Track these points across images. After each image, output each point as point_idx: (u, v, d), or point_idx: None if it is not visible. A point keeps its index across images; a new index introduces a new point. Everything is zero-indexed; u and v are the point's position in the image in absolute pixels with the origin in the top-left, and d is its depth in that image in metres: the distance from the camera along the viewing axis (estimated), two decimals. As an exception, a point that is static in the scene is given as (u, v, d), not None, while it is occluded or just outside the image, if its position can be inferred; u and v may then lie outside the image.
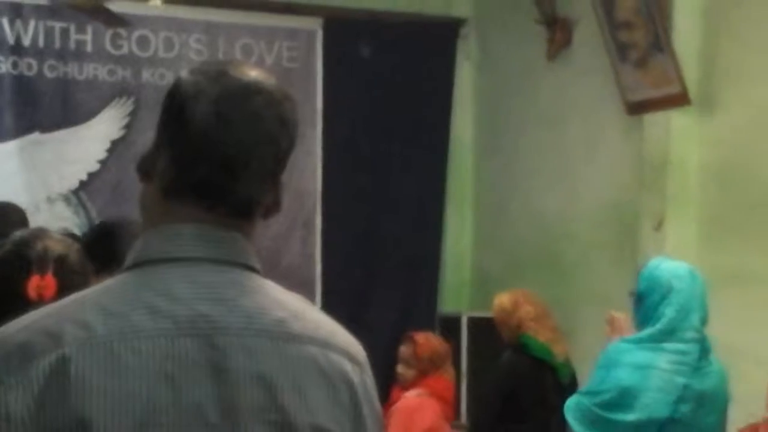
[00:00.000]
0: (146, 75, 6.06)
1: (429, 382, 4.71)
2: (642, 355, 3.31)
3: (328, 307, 6.25)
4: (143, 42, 6.10)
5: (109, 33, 5.94)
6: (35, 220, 5.67)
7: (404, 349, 4.84)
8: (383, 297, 6.54)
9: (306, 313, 1.31)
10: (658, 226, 5.30)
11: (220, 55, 6.09)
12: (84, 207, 6.04)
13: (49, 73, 5.92)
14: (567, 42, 6.09)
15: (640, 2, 5.22)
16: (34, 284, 2.07)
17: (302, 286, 6.17)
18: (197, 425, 1.20)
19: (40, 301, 1.89)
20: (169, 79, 5.86)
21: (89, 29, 5.95)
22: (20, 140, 5.86)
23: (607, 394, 3.34)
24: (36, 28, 5.88)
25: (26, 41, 5.88)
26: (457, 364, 5.51)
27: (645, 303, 3.38)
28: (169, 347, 1.20)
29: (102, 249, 2.73)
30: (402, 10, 6.61)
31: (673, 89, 5.19)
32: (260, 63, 6.20)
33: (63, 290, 1.88)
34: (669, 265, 3.48)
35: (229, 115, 1.27)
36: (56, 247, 2.88)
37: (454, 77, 6.79)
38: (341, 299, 6.37)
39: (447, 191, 6.81)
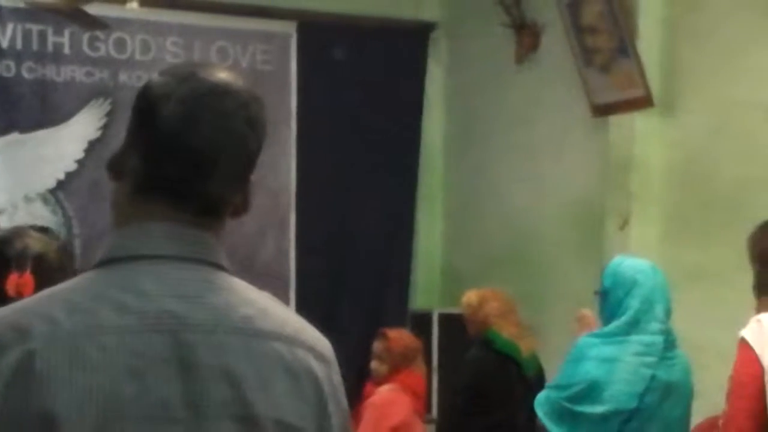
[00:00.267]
0: (123, 77, 6.10)
1: (401, 377, 4.75)
2: (608, 349, 3.38)
3: (302, 304, 6.37)
4: (120, 44, 6.14)
5: (86, 35, 5.98)
6: (13, 219, 5.75)
7: (377, 345, 4.87)
8: (356, 294, 6.60)
9: (273, 311, 1.32)
10: (623, 224, 5.41)
11: (196, 58, 6.11)
12: (61, 206, 6.08)
13: (27, 75, 5.97)
14: (535, 46, 6.18)
15: (605, 8, 5.33)
16: (12, 282, 2.08)
17: (276, 284, 6.24)
18: (162, 420, 1.20)
19: (19, 299, 1.84)
20: (146, 81, 5.90)
21: (66, 32, 5.99)
22: (-1, 140, 5.91)
23: (575, 387, 3.39)
24: (14, 30, 5.92)
25: (4, 43, 5.92)
26: (428, 360, 5.58)
27: (610, 298, 3.45)
28: (135, 343, 1.21)
29: None
30: (374, 14, 6.67)
31: (637, 92, 5.29)
32: (235, 65, 6.25)
33: (42, 288, 1.90)
34: (631, 261, 3.57)
35: (197, 115, 1.27)
36: (35, 245, 2.95)
37: (425, 79, 6.86)
38: (315, 297, 6.45)
39: (418, 190, 6.89)
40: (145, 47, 6.19)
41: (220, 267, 1.31)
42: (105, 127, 6.07)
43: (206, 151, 1.28)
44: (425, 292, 6.93)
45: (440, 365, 6.17)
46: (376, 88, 6.60)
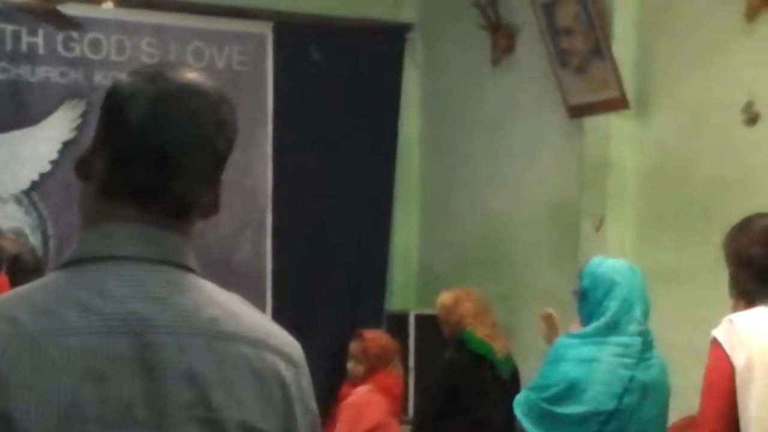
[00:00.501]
0: (98, 77, 6.07)
1: (378, 378, 4.75)
2: (587, 350, 3.39)
3: (279, 304, 6.37)
4: (95, 45, 6.12)
5: (61, 36, 5.95)
6: (-13, 221, 5.70)
7: (353, 346, 4.87)
8: (332, 295, 6.60)
9: (241, 313, 1.30)
10: (599, 225, 5.44)
11: (172, 59, 6.10)
12: (35, 207, 6.05)
13: (1, 75, 5.93)
14: (510, 48, 6.21)
15: (580, 10, 5.36)
16: (-13, 283, 2.05)
17: (253, 285, 6.24)
18: (125, 422, 1.20)
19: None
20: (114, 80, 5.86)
21: (41, 32, 5.95)
22: (-27, 141, 5.87)
23: (554, 388, 3.41)
24: (-13, 30, 5.90)
25: (-22, 43, 5.90)
26: (404, 361, 5.59)
27: (589, 299, 3.47)
28: (98, 344, 1.20)
29: None
30: (351, 15, 6.68)
31: (612, 93, 5.33)
32: (211, 66, 6.25)
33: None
34: (610, 262, 3.59)
35: (164, 115, 1.27)
36: (10, 246, 2.94)
37: (402, 80, 6.88)
38: (291, 297, 6.46)
39: (395, 191, 6.91)
40: (121, 48, 6.17)
41: (188, 268, 1.30)
42: (80, 128, 6.05)
43: (173, 151, 1.27)
44: (402, 292, 6.95)
45: (417, 366, 6.19)
46: (353, 88, 6.62)
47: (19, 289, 1.27)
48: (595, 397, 3.35)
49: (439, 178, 6.88)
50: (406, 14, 6.96)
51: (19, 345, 1.18)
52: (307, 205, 6.55)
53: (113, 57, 6.14)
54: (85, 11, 5.56)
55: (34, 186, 6.04)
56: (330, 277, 6.63)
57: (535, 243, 6.04)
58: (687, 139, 5.14)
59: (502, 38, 6.21)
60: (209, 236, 5.91)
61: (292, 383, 1.30)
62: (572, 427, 3.37)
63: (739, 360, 2.55)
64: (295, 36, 6.52)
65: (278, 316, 6.23)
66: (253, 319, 1.31)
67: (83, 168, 1.31)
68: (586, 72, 5.42)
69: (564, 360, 3.43)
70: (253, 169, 6.35)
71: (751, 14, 4.76)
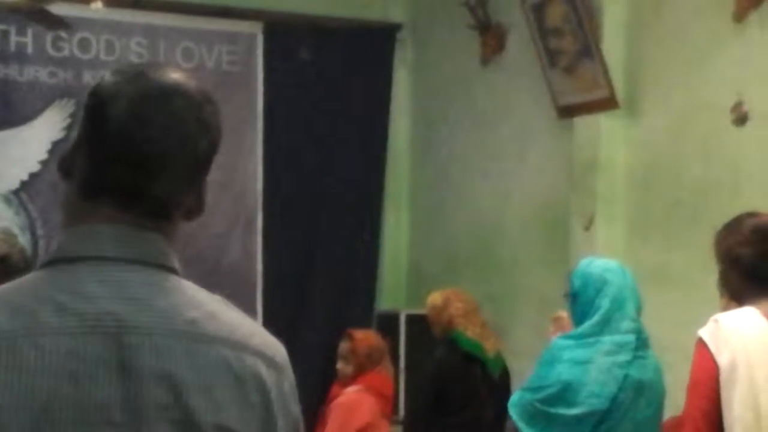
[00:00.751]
0: (87, 77, 6.06)
1: (367, 378, 4.75)
2: (581, 351, 3.40)
3: (269, 305, 6.37)
4: (84, 44, 6.10)
5: (49, 35, 5.94)
6: (-24, 221, 5.69)
7: (343, 346, 4.87)
8: (322, 295, 6.60)
9: (223, 315, 1.29)
10: (588, 225, 5.45)
11: (161, 59, 6.09)
12: (25, 207, 6.04)
13: (-11, 75, 5.95)
14: (500, 47, 6.22)
15: (569, 10, 5.37)
16: (-25, 283, 2.07)
17: (243, 285, 6.24)
18: (99, 423, 1.19)
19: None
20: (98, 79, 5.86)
21: (29, 31, 5.94)
22: (-38, 141, 5.86)
23: (549, 389, 3.41)
24: (-24, 30, 5.89)
25: (-34, 43, 5.88)
26: (395, 361, 5.60)
27: (581, 299, 3.48)
28: (74, 345, 1.19)
29: None
30: (340, 15, 6.68)
31: (602, 93, 5.34)
32: (201, 66, 6.25)
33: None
34: (599, 261, 3.61)
35: (145, 115, 1.26)
36: (0, 246, 2.93)
37: (391, 80, 6.89)
38: (281, 298, 6.46)
39: (384, 191, 6.92)
40: (110, 47, 6.16)
41: (168, 269, 1.28)
42: (69, 128, 6.03)
43: (154, 151, 1.26)
44: (392, 293, 6.95)
45: (407, 366, 6.19)
46: (342, 88, 6.62)
47: None
48: (590, 398, 3.36)
49: (429, 178, 6.89)
50: (395, 14, 6.97)
51: None
52: (297, 205, 6.55)
53: (102, 57, 6.13)
54: (74, 11, 5.55)
55: (24, 186, 6.03)
56: (320, 277, 6.63)
57: (524, 243, 6.05)
58: (676, 139, 5.16)
59: (492, 38, 6.22)
60: (200, 237, 5.91)
61: (273, 386, 1.29)
62: (567, 428, 3.38)
63: (723, 360, 2.56)
64: (284, 36, 6.53)
65: (269, 316, 6.25)
66: (235, 321, 1.30)
67: (65, 166, 1.31)
68: (576, 72, 5.43)
69: (559, 361, 3.44)
70: (243, 170, 6.35)
71: (740, 15, 4.77)
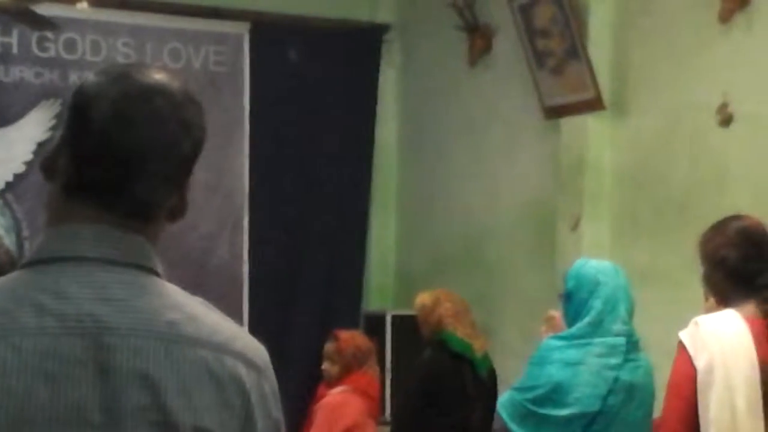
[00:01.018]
0: (73, 77, 6.03)
1: (353, 378, 4.76)
2: (572, 352, 3.40)
3: (256, 305, 6.36)
4: (70, 45, 6.08)
5: (35, 35, 5.92)
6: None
7: (328, 346, 4.87)
8: (309, 296, 6.60)
9: (203, 317, 1.28)
10: (575, 225, 5.47)
11: (148, 59, 6.08)
12: (10, 208, 6.01)
13: (-25, 76, 5.92)
14: (487, 48, 6.23)
15: (557, 11, 5.39)
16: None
17: (230, 286, 6.23)
18: (77, 424, 1.19)
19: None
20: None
21: (15, 31, 5.92)
22: (-53, 142, 5.82)
23: (539, 389, 3.41)
24: (-39, 30, 5.86)
25: (-49, 43, 5.85)
26: (381, 362, 5.60)
27: (574, 300, 3.47)
28: (52, 346, 1.19)
29: None
30: (327, 15, 6.68)
31: (588, 94, 5.36)
32: (188, 67, 6.24)
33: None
34: (594, 262, 3.60)
35: (127, 116, 1.26)
36: (-13, 248, 2.92)
37: (379, 81, 6.89)
38: (268, 298, 6.45)
39: (372, 192, 6.92)
40: (96, 48, 6.14)
41: (150, 271, 1.28)
42: (54, 129, 6.00)
43: (136, 152, 1.26)
44: (379, 293, 6.96)
45: (394, 367, 6.20)
46: (330, 89, 6.62)
47: None
48: (580, 399, 3.36)
49: (416, 178, 6.89)
50: (383, 15, 6.97)
51: None
52: (284, 205, 6.55)
53: (88, 57, 6.10)
54: (60, 11, 5.53)
55: (9, 187, 6.00)
56: (307, 278, 6.63)
57: (511, 243, 6.06)
58: (662, 139, 5.18)
59: (479, 39, 6.24)
60: (186, 238, 5.90)
61: (253, 389, 1.28)
62: (556, 429, 3.39)
63: (700, 362, 2.58)
64: (272, 37, 6.52)
65: (256, 317, 6.24)
66: (216, 323, 1.29)
67: (48, 166, 1.31)
68: (563, 73, 5.45)
69: (549, 362, 3.44)
70: (230, 170, 6.34)
71: (725, 16, 4.79)
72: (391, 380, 6.17)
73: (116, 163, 1.26)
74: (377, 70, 6.89)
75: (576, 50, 5.35)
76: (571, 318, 3.50)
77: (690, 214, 4.75)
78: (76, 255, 1.25)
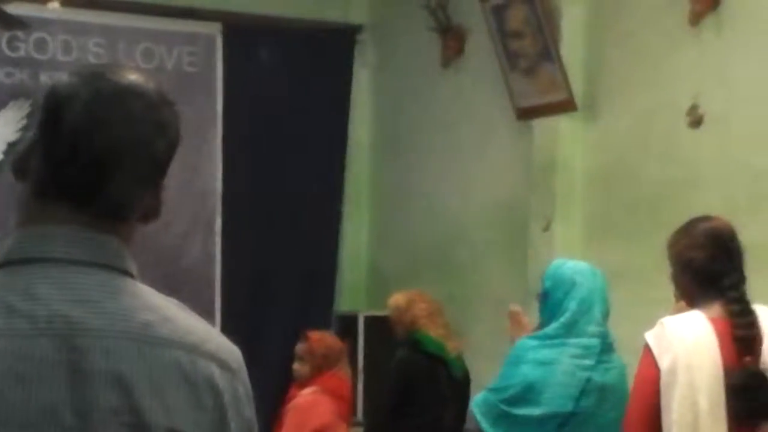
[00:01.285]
0: (44, 77, 5.99)
1: (324, 379, 4.74)
2: (546, 352, 3.41)
3: (228, 306, 6.34)
4: (41, 45, 6.04)
5: (5, 35, 5.87)
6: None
7: (300, 346, 4.86)
8: (281, 297, 6.59)
9: (177, 318, 1.28)
10: (547, 226, 5.49)
11: (120, 59, 6.03)
12: (-20, 209, 5.96)
13: (-56, 75, 5.87)
14: (460, 50, 6.25)
15: (529, 13, 5.41)
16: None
17: (202, 286, 6.21)
18: (49, 426, 1.18)
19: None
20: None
21: (-15, 31, 5.89)
22: None
23: (513, 389, 3.42)
24: (-70, 29, 5.80)
25: None
26: (353, 362, 5.60)
27: (550, 300, 3.49)
28: (23, 347, 1.18)
29: None
30: (301, 16, 6.67)
31: (560, 96, 5.39)
32: (160, 67, 6.21)
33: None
34: (572, 263, 3.62)
35: (101, 116, 1.25)
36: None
37: (352, 81, 6.89)
38: (240, 299, 6.43)
39: (345, 193, 6.91)
40: (67, 48, 6.10)
41: (123, 272, 1.28)
42: (25, 129, 5.96)
43: (108, 153, 1.26)
44: (351, 294, 6.96)
45: (366, 367, 6.20)
46: (303, 90, 6.61)
47: None
48: (553, 399, 3.37)
49: (389, 179, 6.90)
50: (356, 16, 6.97)
51: None
52: (256, 206, 6.54)
53: (60, 57, 6.06)
54: (31, 10, 5.49)
55: (-21, 187, 5.94)
56: (279, 278, 6.61)
57: (484, 243, 6.08)
58: (634, 140, 5.21)
59: (453, 40, 6.25)
60: (159, 238, 5.87)
61: (227, 390, 1.28)
62: (529, 429, 3.39)
63: (664, 363, 2.59)
64: (245, 37, 6.51)
65: (228, 317, 6.23)
66: (190, 325, 1.29)
67: (20, 167, 1.30)
68: (535, 74, 5.47)
69: (523, 362, 3.44)
70: (203, 170, 6.32)
71: (695, 19, 4.83)
72: (364, 381, 6.17)
73: (89, 164, 1.25)
74: (350, 71, 6.89)
75: (548, 52, 5.37)
76: (547, 318, 3.51)
77: (661, 215, 4.78)
78: (48, 256, 1.25)
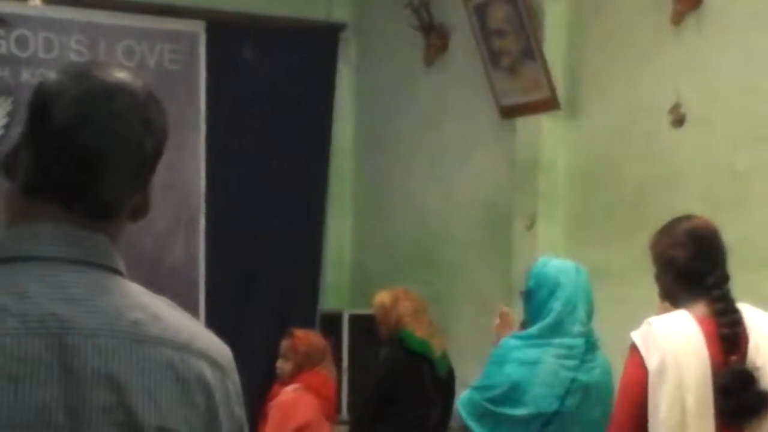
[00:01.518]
0: (26, 75, 5.95)
1: (306, 377, 4.74)
2: (530, 351, 3.41)
3: (212, 305, 6.32)
4: (22, 42, 5.99)
5: (-14, 33, 5.85)
6: None
7: (284, 344, 4.85)
8: (265, 296, 6.59)
9: (167, 316, 1.28)
10: (530, 225, 5.50)
11: (102, 57, 6.02)
12: (-39, 208, 5.93)
13: (-76, 73, 5.82)
14: (443, 48, 6.25)
15: (512, 11, 5.42)
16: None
17: (185, 286, 6.19)
18: (41, 426, 1.18)
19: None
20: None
21: (-35, 28, 5.85)
22: None
23: (497, 389, 3.42)
24: None
25: None
26: (338, 361, 5.60)
27: (534, 299, 3.48)
28: (15, 347, 1.18)
29: None
30: (284, 14, 6.67)
31: (543, 94, 5.40)
32: (142, 65, 6.18)
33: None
34: (556, 262, 3.61)
35: (89, 115, 1.26)
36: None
37: (335, 80, 6.89)
38: (224, 298, 6.42)
39: (328, 191, 6.91)
40: (49, 45, 6.06)
41: (112, 270, 1.28)
42: (6, 127, 5.93)
43: (97, 151, 1.26)
44: (335, 292, 6.96)
45: (350, 366, 6.20)
46: (286, 88, 6.61)
47: None
48: (537, 399, 3.38)
49: (373, 177, 6.90)
50: (339, 14, 6.96)
51: None
52: (239, 204, 6.53)
53: (41, 55, 6.02)
54: (12, 7, 5.49)
55: (-40, 186, 5.91)
56: (263, 277, 6.61)
57: (467, 242, 6.09)
58: (616, 139, 5.23)
59: (435, 39, 6.26)
60: (141, 237, 5.85)
61: (218, 388, 1.28)
62: (514, 428, 3.40)
63: (652, 363, 2.58)
64: (227, 35, 6.49)
65: (212, 316, 6.21)
66: (180, 323, 1.29)
67: (7, 165, 1.30)
68: (518, 73, 5.48)
69: (508, 361, 3.44)
70: (186, 169, 6.30)
71: (677, 18, 4.85)
72: (348, 379, 6.17)
73: (78, 163, 1.26)
74: (333, 69, 6.88)
75: (531, 50, 5.38)
76: (531, 317, 3.51)
77: (643, 214, 4.80)
78: (37, 254, 1.25)
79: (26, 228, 1.26)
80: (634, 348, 2.63)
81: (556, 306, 3.42)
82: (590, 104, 5.38)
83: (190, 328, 1.30)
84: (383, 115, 6.80)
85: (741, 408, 2.57)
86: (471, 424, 3.46)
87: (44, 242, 1.25)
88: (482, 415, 3.45)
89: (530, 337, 3.46)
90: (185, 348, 1.27)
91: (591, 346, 3.46)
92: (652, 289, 3.02)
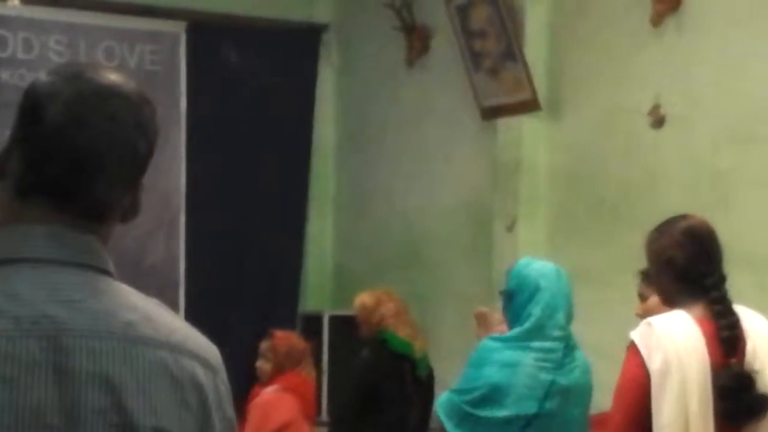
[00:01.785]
0: (5, 75, 5.93)
1: (286, 377, 4.72)
2: (510, 354, 3.40)
3: (192, 306, 6.30)
4: (1, 42, 5.97)
5: (-35, 33, 5.82)
6: None
7: (264, 344, 4.84)
8: (246, 296, 6.58)
9: (159, 317, 1.28)
10: (511, 226, 5.52)
11: (82, 58, 6.00)
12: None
13: None
14: (425, 49, 6.26)
15: (493, 13, 5.43)
16: None
17: (166, 286, 6.17)
18: (36, 427, 1.18)
19: None
20: (28, 79, 5.73)
21: (-56, 28, 5.82)
22: None
23: (477, 391, 3.41)
24: None
25: None
26: (318, 362, 5.59)
27: (514, 301, 3.47)
28: (9, 348, 1.18)
29: None
30: (265, 15, 6.66)
31: (524, 96, 5.41)
32: (123, 65, 6.15)
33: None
34: (537, 264, 3.57)
35: (82, 116, 1.25)
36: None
37: (316, 81, 6.89)
38: (205, 299, 6.40)
39: (309, 191, 6.91)
40: (28, 46, 6.03)
41: (103, 271, 1.28)
42: (-14, 127, 5.89)
43: (90, 153, 1.26)
44: (316, 293, 6.95)
45: (330, 367, 6.19)
46: (267, 89, 6.60)
47: None
48: (517, 401, 3.37)
49: (354, 178, 6.90)
50: (320, 15, 6.96)
51: None
52: (220, 205, 6.51)
53: (20, 55, 6.00)
54: (-9, 8, 5.44)
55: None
56: (244, 278, 6.60)
57: (449, 243, 6.10)
58: (597, 140, 5.25)
59: (417, 40, 6.26)
60: (122, 238, 5.81)
61: (210, 389, 1.29)
62: (493, 430, 3.40)
63: (654, 364, 2.52)
64: (208, 36, 6.48)
65: (191, 317, 6.13)
66: (171, 324, 1.30)
67: None
68: (499, 74, 5.49)
69: (488, 363, 3.44)
70: (166, 170, 6.28)
71: (657, 20, 4.88)
72: (328, 380, 6.16)
73: (71, 164, 1.25)
74: (315, 70, 6.89)
75: (512, 52, 5.39)
76: (511, 319, 3.51)
77: (623, 214, 4.83)
78: (30, 256, 1.24)
79: (18, 229, 1.26)
80: (633, 348, 2.56)
81: (536, 311, 3.41)
82: (571, 105, 5.40)
83: (182, 329, 1.31)
84: (365, 116, 6.80)
85: (739, 410, 2.55)
86: (449, 426, 3.45)
87: (36, 244, 1.25)
88: (462, 417, 3.44)
89: (510, 339, 3.46)
90: (178, 349, 1.27)
91: (570, 348, 3.47)
92: (631, 290, 3.03)
